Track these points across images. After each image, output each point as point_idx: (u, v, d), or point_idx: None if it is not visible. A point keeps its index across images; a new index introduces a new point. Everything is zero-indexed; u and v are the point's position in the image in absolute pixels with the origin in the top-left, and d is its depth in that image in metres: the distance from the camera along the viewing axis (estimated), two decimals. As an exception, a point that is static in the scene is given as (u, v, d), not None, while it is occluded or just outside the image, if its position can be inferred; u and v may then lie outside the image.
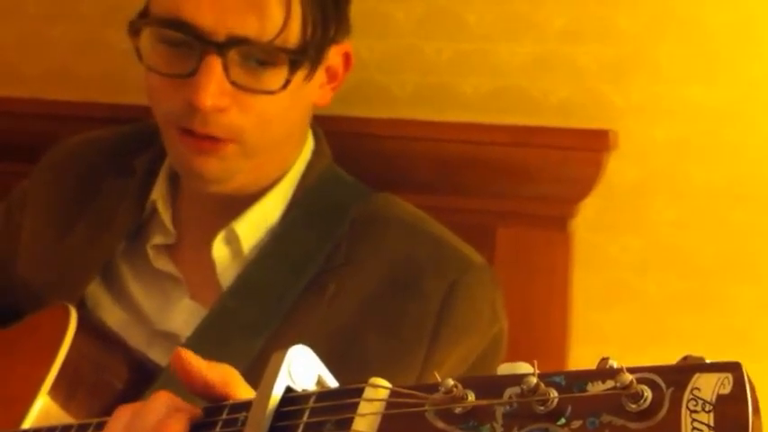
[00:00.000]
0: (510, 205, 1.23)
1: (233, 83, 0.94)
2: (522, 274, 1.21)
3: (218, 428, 0.64)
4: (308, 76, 0.98)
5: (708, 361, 0.52)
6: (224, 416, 0.65)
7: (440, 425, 0.55)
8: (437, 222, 1.06)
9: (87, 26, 1.42)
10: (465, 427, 0.54)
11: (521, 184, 1.22)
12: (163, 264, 1.05)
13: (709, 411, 0.49)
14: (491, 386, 0.55)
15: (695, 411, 0.50)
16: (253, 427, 0.61)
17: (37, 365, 0.91)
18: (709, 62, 1.21)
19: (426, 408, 0.56)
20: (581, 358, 1.22)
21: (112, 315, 1.05)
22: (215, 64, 0.93)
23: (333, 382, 0.64)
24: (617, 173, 1.23)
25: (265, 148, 0.99)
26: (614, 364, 0.53)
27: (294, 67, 0.96)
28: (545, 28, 1.25)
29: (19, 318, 1.03)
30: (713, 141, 1.22)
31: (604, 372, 0.53)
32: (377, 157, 1.23)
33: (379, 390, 0.59)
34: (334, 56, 1.03)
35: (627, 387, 0.51)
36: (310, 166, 1.06)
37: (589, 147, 1.21)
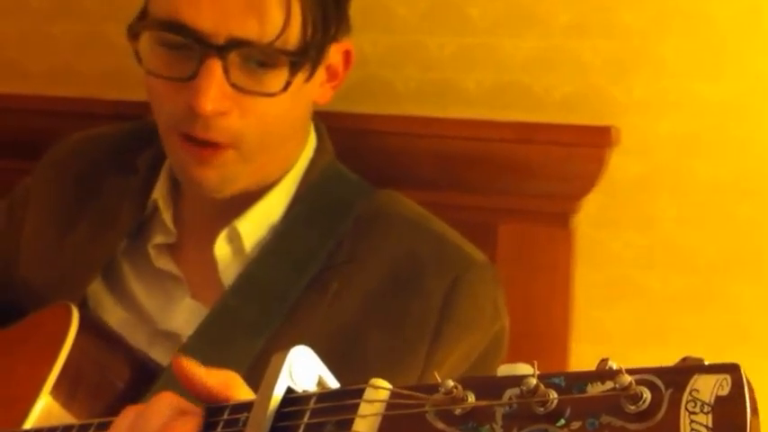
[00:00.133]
0: (512, 202, 1.23)
1: (233, 85, 0.94)
2: (525, 271, 1.22)
3: (219, 429, 0.65)
4: (309, 77, 0.98)
5: (707, 362, 0.52)
6: (225, 416, 0.65)
7: (440, 426, 0.55)
8: (440, 220, 1.06)
9: (89, 23, 1.42)
10: (465, 427, 0.55)
11: (523, 181, 1.22)
12: (164, 263, 1.05)
13: (708, 413, 0.50)
14: (491, 387, 0.55)
15: (694, 412, 0.50)
16: (254, 427, 0.61)
17: (39, 365, 0.91)
18: (713, 57, 1.21)
19: (426, 409, 0.56)
20: (583, 355, 1.22)
21: (114, 314, 1.05)
22: (215, 67, 0.93)
23: (333, 383, 0.64)
24: (620, 169, 1.23)
25: (264, 150, 0.99)
26: (614, 365, 0.54)
27: (295, 68, 0.95)
28: (549, 23, 1.25)
29: (20, 316, 1.03)
30: (717, 137, 1.22)
31: (604, 373, 0.53)
32: (379, 154, 1.23)
33: (379, 391, 0.59)
34: (334, 54, 1.02)
35: (626, 388, 0.52)
36: (313, 164, 1.06)
37: (592, 143, 1.21)
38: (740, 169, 1.21)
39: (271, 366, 0.63)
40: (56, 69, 1.44)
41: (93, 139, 1.16)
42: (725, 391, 0.50)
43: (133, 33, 0.98)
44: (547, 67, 1.25)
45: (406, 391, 0.58)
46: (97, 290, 1.07)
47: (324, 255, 1.01)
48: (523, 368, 0.56)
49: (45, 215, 1.13)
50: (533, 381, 0.53)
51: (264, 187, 1.03)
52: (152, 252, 1.05)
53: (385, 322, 0.99)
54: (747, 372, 0.50)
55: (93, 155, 1.14)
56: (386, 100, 1.29)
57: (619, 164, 1.23)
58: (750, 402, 0.49)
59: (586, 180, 1.22)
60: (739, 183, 1.21)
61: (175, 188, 1.07)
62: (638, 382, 0.51)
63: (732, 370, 0.50)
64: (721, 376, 0.50)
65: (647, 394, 0.51)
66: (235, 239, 1.03)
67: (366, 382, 0.60)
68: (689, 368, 0.51)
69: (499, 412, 0.54)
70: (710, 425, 0.49)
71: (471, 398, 0.55)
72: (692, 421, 0.50)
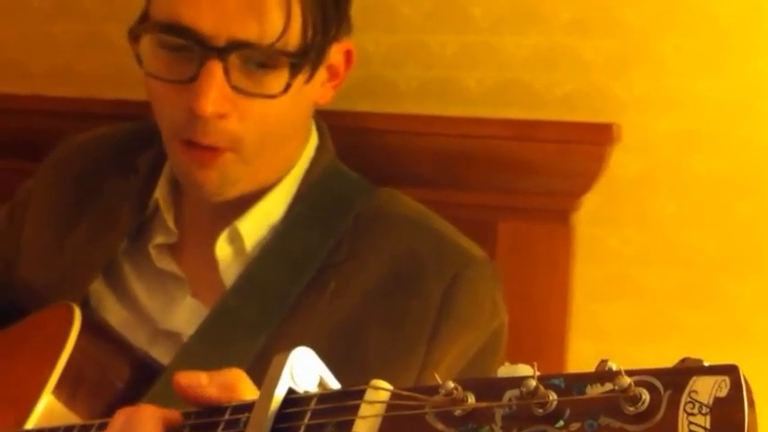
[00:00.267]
0: (512, 199, 1.23)
1: (234, 87, 0.94)
2: (524, 268, 1.22)
3: (220, 429, 0.65)
4: (309, 78, 0.98)
5: (706, 363, 0.52)
6: (226, 416, 0.66)
7: (440, 427, 0.56)
8: (440, 217, 1.06)
9: (90, 23, 1.42)
10: (464, 429, 0.55)
11: (523, 178, 1.23)
12: (165, 263, 1.05)
13: (706, 414, 0.50)
14: (491, 388, 0.55)
15: (692, 414, 0.50)
16: (254, 428, 0.61)
17: (40, 364, 0.91)
18: (713, 55, 1.21)
19: (426, 410, 0.56)
20: (582, 352, 1.22)
21: (115, 314, 1.05)
22: (216, 69, 0.93)
23: (334, 384, 0.65)
24: (620, 166, 1.23)
25: (264, 152, 0.99)
26: (613, 366, 0.54)
27: (295, 70, 0.95)
28: (550, 21, 1.25)
29: (21, 317, 1.03)
30: (717, 135, 1.22)
31: (603, 374, 0.54)
32: (380, 153, 1.23)
33: (379, 392, 0.59)
34: (335, 54, 1.02)
35: (625, 390, 0.52)
36: (314, 163, 1.06)
37: (592, 140, 1.22)
38: (740, 166, 1.21)
39: (272, 367, 0.63)
40: (56, 69, 1.44)
41: (94, 139, 1.16)
42: (723, 393, 0.50)
43: (134, 36, 0.98)
44: (548, 65, 1.25)
45: (406, 393, 0.58)
46: (99, 290, 1.07)
47: (324, 253, 1.01)
48: (523, 369, 0.56)
49: (46, 216, 1.13)
50: (533, 382, 0.54)
51: (265, 188, 1.03)
52: (153, 252, 1.05)
53: (384, 320, 0.99)
54: (745, 369, 0.51)
55: (94, 155, 1.14)
56: (388, 99, 1.30)
57: (619, 161, 1.23)
58: (748, 403, 0.50)
59: (587, 177, 1.22)
60: (739, 180, 1.21)
61: (176, 189, 1.07)
62: (637, 384, 0.52)
63: (730, 371, 0.50)
64: (720, 377, 0.51)
65: (646, 395, 0.51)
66: (236, 240, 1.03)
67: (365, 380, 0.60)
68: (688, 369, 0.52)
69: (499, 413, 0.54)
70: (709, 426, 0.50)
71: (471, 399, 0.55)
72: (690, 422, 0.50)
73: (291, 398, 0.62)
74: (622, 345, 1.23)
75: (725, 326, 1.21)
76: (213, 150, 0.97)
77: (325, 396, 0.62)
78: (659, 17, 1.22)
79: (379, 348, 0.97)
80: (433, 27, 1.29)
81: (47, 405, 0.88)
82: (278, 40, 0.94)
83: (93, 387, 0.91)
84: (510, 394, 0.55)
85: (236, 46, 0.93)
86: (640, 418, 0.51)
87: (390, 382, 0.60)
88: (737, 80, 1.20)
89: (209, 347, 0.96)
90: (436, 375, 0.59)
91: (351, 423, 0.58)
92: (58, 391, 0.89)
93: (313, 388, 0.64)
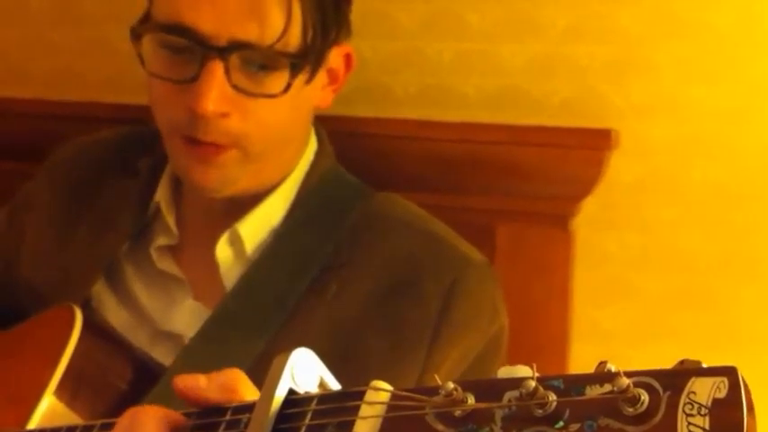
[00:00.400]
0: (511, 204, 1.24)
1: (234, 87, 0.95)
2: (523, 272, 1.22)
3: (221, 430, 0.65)
4: (309, 79, 0.99)
5: (704, 365, 0.52)
6: (227, 417, 0.66)
7: (439, 427, 0.56)
8: (439, 221, 1.07)
9: (91, 27, 1.42)
10: (464, 429, 0.55)
11: (522, 184, 1.23)
12: (166, 265, 1.06)
13: (705, 415, 0.50)
14: (491, 389, 0.55)
15: (691, 415, 0.50)
16: (255, 428, 0.61)
17: (42, 365, 0.91)
18: (710, 62, 1.22)
19: (427, 410, 0.57)
20: (581, 356, 1.23)
21: (116, 316, 1.06)
22: (216, 69, 0.94)
23: (335, 385, 0.65)
24: (618, 172, 1.24)
25: (266, 152, 1.00)
26: (612, 367, 0.54)
27: (295, 70, 0.96)
28: (547, 28, 1.26)
29: (23, 318, 1.03)
30: (714, 141, 1.22)
31: (602, 375, 0.54)
32: (378, 157, 1.24)
33: (380, 393, 0.59)
34: (335, 57, 1.03)
35: (624, 391, 0.52)
36: (313, 167, 1.07)
37: (590, 146, 1.22)
38: (737, 172, 1.22)
39: (273, 368, 0.63)
40: (57, 73, 1.44)
41: (95, 142, 1.17)
42: (722, 394, 0.50)
43: (136, 35, 0.98)
44: (545, 72, 1.26)
45: (406, 393, 0.58)
46: (100, 291, 1.07)
47: (323, 257, 1.01)
48: (523, 370, 0.56)
49: (46, 218, 1.13)
50: (532, 383, 0.54)
51: (265, 190, 1.04)
52: (154, 254, 1.06)
53: (384, 325, 0.99)
54: (744, 373, 0.51)
55: (95, 158, 1.14)
56: (385, 106, 1.30)
57: (617, 166, 1.24)
58: (747, 404, 0.50)
59: (585, 182, 1.22)
60: (736, 185, 1.22)
61: (177, 191, 1.07)
62: (636, 385, 0.52)
63: (729, 373, 0.51)
64: (718, 379, 0.51)
65: (645, 397, 0.51)
66: (236, 242, 1.03)
67: (365, 384, 0.60)
68: (686, 371, 0.52)
69: (498, 414, 0.54)
70: (708, 427, 0.50)
71: (471, 400, 0.56)
72: (689, 423, 0.50)
73: (292, 398, 0.62)
74: (622, 348, 1.23)
75: (723, 329, 1.21)
76: (216, 147, 0.97)
77: (326, 397, 0.62)
78: (656, 24, 1.23)
79: (378, 352, 0.98)
80: (429, 34, 1.29)
81: (48, 405, 0.89)
82: (278, 40, 0.94)
83: (95, 388, 0.92)
84: (510, 395, 0.55)
85: (237, 46, 0.94)
86: (639, 419, 0.51)
87: (390, 385, 0.61)
88: (734, 86, 1.21)
89: (210, 349, 0.96)
90: (436, 376, 0.59)
91: (351, 423, 0.58)
92: (60, 391, 0.90)
93: (314, 389, 0.64)
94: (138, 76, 1.01)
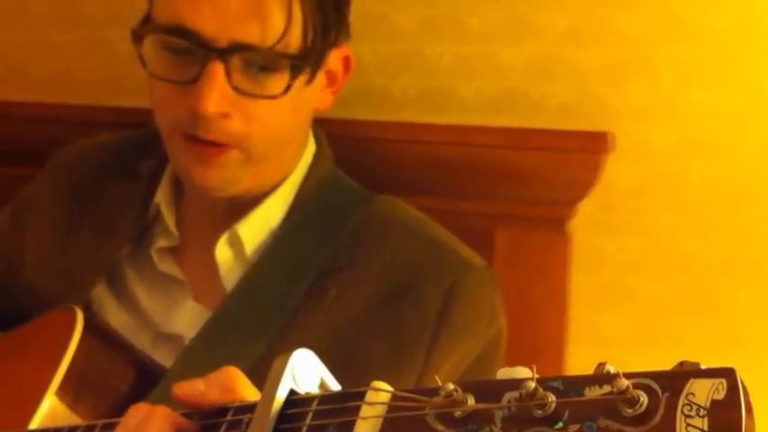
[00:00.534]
0: (509, 207, 1.24)
1: (235, 88, 0.95)
2: (522, 276, 1.22)
3: (222, 430, 0.66)
4: (309, 81, 0.99)
5: (703, 367, 0.53)
6: (229, 417, 0.66)
7: (439, 428, 0.56)
8: (438, 225, 1.07)
9: (91, 30, 1.42)
10: (464, 430, 0.55)
11: (520, 187, 1.23)
12: (167, 266, 1.06)
13: (704, 416, 0.50)
14: (490, 390, 0.56)
15: (690, 416, 0.51)
16: (256, 428, 0.62)
17: (44, 367, 0.91)
18: (709, 65, 1.22)
19: (427, 411, 0.57)
20: (579, 359, 1.23)
21: (118, 318, 1.06)
22: (217, 70, 0.94)
23: (335, 386, 0.65)
24: (616, 175, 1.24)
25: (267, 153, 1.00)
26: (611, 369, 0.54)
27: (295, 72, 0.96)
28: (546, 31, 1.26)
29: (25, 320, 1.03)
30: (713, 143, 1.23)
31: (601, 377, 0.54)
32: (377, 161, 1.24)
33: (380, 393, 0.60)
34: (334, 59, 1.03)
35: (623, 392, 0.52)
36: (312, 170, 1.07)
37: (588, 149, 1.22)
38: (735, 175, 1.22)
39: (274, 368, 0.63)
40: (57, 76, 1.44)
41: (95, 146, 1.17)
42: (720, 395, 0.50)
43: (137, 37, 0.99)
44: (544, 75, 1.26)
45: (406, 394, 0.58)
46: (101, 293, 1.07)
47: (322, 260, 1.02)
48: (522, 372, 0.56)
49: (48, 221, 1.13)
50: (532, 384, 0.54)
51: (264, 192, 1.04)
52: (155, 256, 1.06)
53: (383, 328, 0.99)
54: (743, 375, 0.51)
55: (95, 162, 1.14)
56: (384, 109, 1.30)
57: (615, 170, 1.24)
58: (745, 406, 0.50)
59: (582, 186, 1.23)
60: (735, 188, 1.22)
61: (178, 192, 1.07)
62: (636, 386, 0.52)
63: (728, 374, 0.51)
64: (717, 380, 0.51)
65: (644, 398, 0.52)
66: (236, 243, 1.03)
67: (366, 385, 0.61)
68: (685, 372, 0.52)
69: (498, 415, 0.55)
70: (706, 428, 0.50)
71: (471, 401, 0.56)
72: (687, 425, 0.50)
73: (293, 399, 0.63)
74: (621, 352, 1.23)
75: (722, 333, 1.21)
76: (218, 147, 0.97)
77: (327, 397, 0.62)
78: (654, 27, 1.23)
79: (378, 356, 0.98)
80: (429, 37, 1.29)
81: (50, 406, 0.89)
82: (278, 42, 0.95)
83: (96, 389, 0.92)
84: (509, 396, 0.55)
85: (238, 48, 0.95)
86: (638, 420, 0.52)
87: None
88: (733, 89, 1.21)
89: (211, 350, 0.97)
90: (436, 377, 0.59)
91: (352, 424, 0.59)
92: (62, 392, 0.90)
93: (314, 389, 0.64)
94: (138, 78, 1.01)
